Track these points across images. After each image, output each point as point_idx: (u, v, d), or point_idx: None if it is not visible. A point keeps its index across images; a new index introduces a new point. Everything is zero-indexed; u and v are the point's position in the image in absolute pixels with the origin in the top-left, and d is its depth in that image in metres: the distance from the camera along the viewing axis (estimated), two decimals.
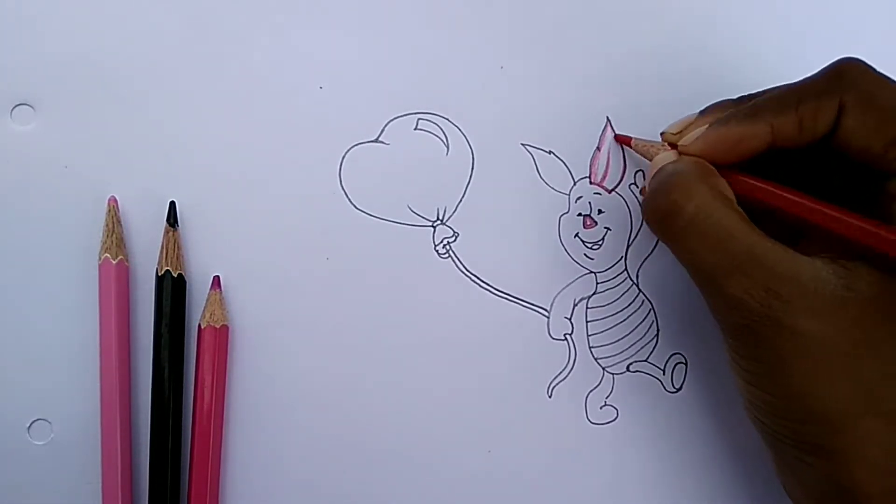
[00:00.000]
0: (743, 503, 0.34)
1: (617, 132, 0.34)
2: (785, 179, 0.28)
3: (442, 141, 0.33)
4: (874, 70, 0.27)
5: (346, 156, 0.33)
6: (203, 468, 0.31)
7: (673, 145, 0.30)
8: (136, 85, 0.32)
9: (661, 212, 0.27)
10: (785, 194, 0.27)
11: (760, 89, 0.30)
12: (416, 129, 0.33)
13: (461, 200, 0.33)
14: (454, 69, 0.33)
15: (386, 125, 0.33)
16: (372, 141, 0.33)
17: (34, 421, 0.32)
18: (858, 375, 0.25)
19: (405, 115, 0.33)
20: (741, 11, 0.34)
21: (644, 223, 0.34)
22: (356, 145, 0.33)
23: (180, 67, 0.32)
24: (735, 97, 0.30)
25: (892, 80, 0.27)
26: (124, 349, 0.31)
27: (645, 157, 0.32)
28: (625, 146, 0.33)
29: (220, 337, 0.31)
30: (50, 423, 0.32)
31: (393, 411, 0.33)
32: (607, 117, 0.34)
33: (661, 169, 0.29)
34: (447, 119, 0.33)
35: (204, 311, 0.32)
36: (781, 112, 0.27)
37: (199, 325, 0.32)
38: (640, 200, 0.34)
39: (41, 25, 0.31)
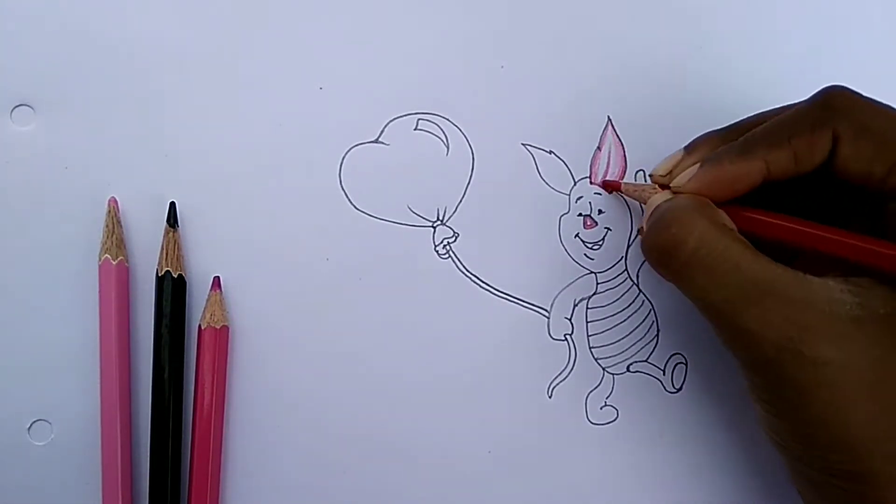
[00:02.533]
0: (743, 503, 0.34)
1: (604, 180, 0.33)
2: (781, 205, 0.28)
3: (442, 141, 0.33)
4: (861, 96, 0.27)
5: (346, 156, 0.33)
6: (203, 468, 0.31)
7: (664, 186, 0.30)
8: (136, 85, 0.32)
9: (662, 248, 0.27)
10: (787, 224, 0.27)
11: (746, 115, 0.29)
12: (416, 129, 0.33)
13: (461, 201, 0.33)
14: (454, 69, 0.33)
15: (386, 125, 0.33)
16: (372, 141, 0.33)
17: (34, 422, 0.32)
18: (881, 397, 0.25)
19: (405, 115, 0.33)
20: (742, 13, 0.34)
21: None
22: (356, 145, 0.33)
23: (180, 68, 0.32)
24: (720, 128, 0.30)
25: (879, 104, 0.27)
26: (124, 350, 0.31)
27: (637, 199, 0.32)
28: (615, 191, 0.33)
29: (221, 337, 0.31)
30: (50, 423, 0.32)
31: (393, 411, 0.33)
32: (608, 117, 0.34)
33: (657, 207, 0.28)
34: (447, 119, 0.33)
35: (204, 311, 0.32)
36: (775, 147, 0.27)
37: (200, 326, 0.32)
38: (639, 240, 0.33)
39: (41, 25, 0.31)
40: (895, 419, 0.25)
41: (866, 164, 0.26)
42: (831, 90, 0.27)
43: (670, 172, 0.29)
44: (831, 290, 0.25)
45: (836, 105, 0.27)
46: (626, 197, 0.33)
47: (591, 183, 0.34)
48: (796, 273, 0.25)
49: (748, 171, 0.27)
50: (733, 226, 0.27)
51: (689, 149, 0.30)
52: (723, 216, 0.27)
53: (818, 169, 0.27)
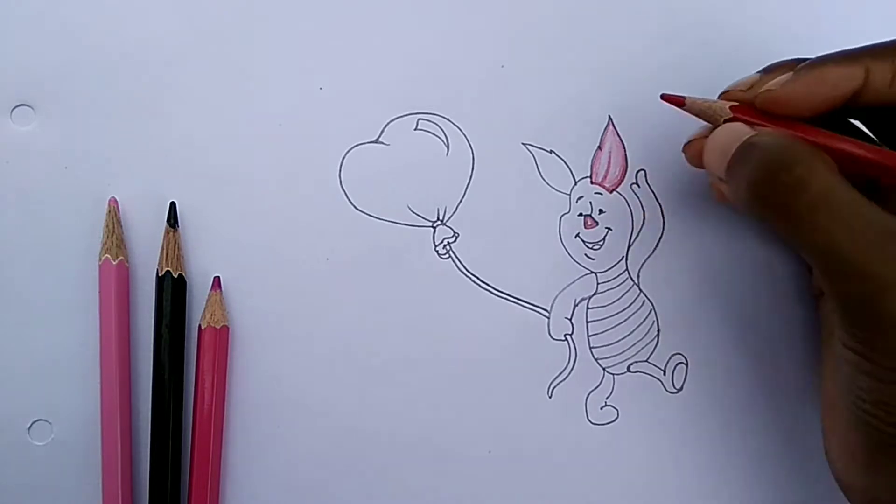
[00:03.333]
0: (743, 502, 0.34)
1: (665, 94, 0.29)
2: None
3: (442, 141, 0.33)
4: None
5: (347, 156, 0.33)
6: (203, 469, 0.31)
7: (738, 109, 0.28)
8: (136, 86, 0.32)
9: (778, 187, 0.25)
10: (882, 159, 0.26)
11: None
12: (416, 129, 0.33)
13: (461, 201, 0.33)
14: (454, 69, 0.33)
15: (386, 125, 0.33)
16: (372, 141, 0.33)
17: (35, 421, 0.32)
18: None
19: (405, 115, 0.33)
20: (743, 12, 0.34)
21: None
22: (356, 146, 0.33)
23: (180, 68, 0.32)
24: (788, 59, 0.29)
25: None
26: (124, 350, 0.31)
27: (705, 118, 0.29)
28: (678, 107, 0.29)
29: (221, 337, 0.31)
30: (50, 423, 0.32)
31: (393, 412, 0.33)
32: (609, 116, 0.34)
33: (755, 143, 0.27)
34: (447, 119, 0.33)
35: (204, 311, 0.32)
36: (878, 58, 0.26)
37: (200, 326, 0.32)
38: (708, 177, 0.31)
39: (41, 25, 0.31)
40: None
41: None
42: None
43: (752, 88, 0.28)
44: None
45: None
46: (623, 196, 0.33)
47: (591, 183, 0.34)
48: None
49: (851, 75, 0.26)
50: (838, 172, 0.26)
51: (768, 70, 0.29)
52: (831, 162, 0.26)
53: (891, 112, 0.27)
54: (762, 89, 0.28)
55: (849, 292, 0.25)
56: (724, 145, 0.28)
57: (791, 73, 0.28)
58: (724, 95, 0.29)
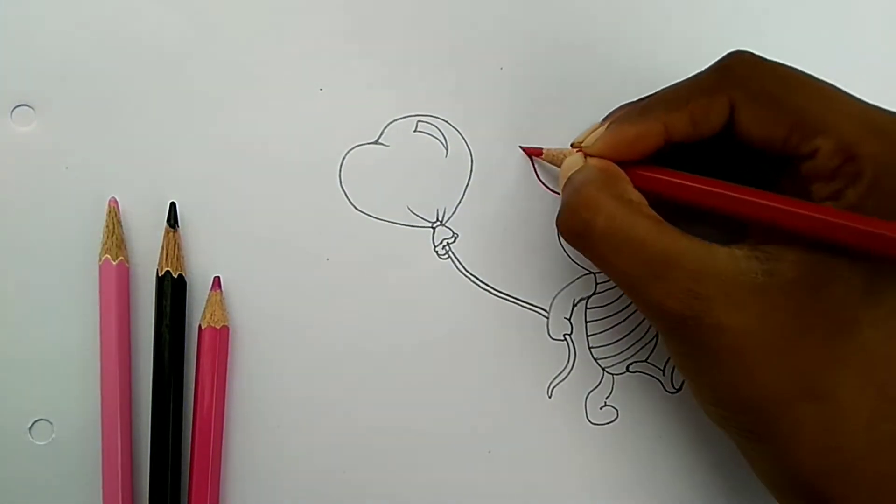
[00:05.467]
0: (743, 503, 0.35)
1: (523, 146, 0.33)
2: (703, 169, 0.28)
3: (441, 143, 0.33)
4: (761, 59, 0.27)
5: (347, 157, 0.33)
6: (203, 468, 0.31)
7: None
8: (136, 86, 0.32)
9: (573, 230, 0.28)
10: (694, 185, 0.27)
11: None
12: (415, 130, 0.33)
13: (460, 202, 0.33)
14: (453, 71, 0.33)
15: (386, 127, 0.33)
16: (372, 143, 0.33)
17: (36, 421, 0.32)
18: (787, 361, 0.25)
19: (405, 117, 0.33)
20: (740, 14, 0.34)
21: None
22: (356, 146, 0.33)
23: (181, 68, 0.32)
24: (636, 99, 0.30)
25: (782, 66, 0.27)
26: (125, 350, 0.31)
27: (554, 164, 0.32)
28: (536, 157, 0.33)
29: (221, 338, 0.32)
30: (51, 423, 0.32)
31: (393, 411, 0.33)
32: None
33: (569, 179, 0.29)
34: (446, 121, 0.33)
35: (204, 311, 0.32)
36: (672, 109, 0.27)
37: (200, 326, 0.32)
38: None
39: (41, 26, 0.31)
40: (801, 383, 0.25)
41: (765, 128, 0.26)
42: (732, 56, 0.27)
43: (587, 138, 0.30)
44: (737, 259, 0.26)
45: (733, 71, 0.27)
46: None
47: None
48: (702, 243, 0.26)
49: (648, 132, 0.28)
50: (642, 199, 0.28)
51: (606, 118, 0.30)
52: (630, 190, 0.28)
53: (722, 133, 0.27)
54: (582, 143, 0.30)
55: (640, 311, 0.29)
56: (562, 175, 0.30)
57: (603, 128, 0.29)
58: (574, 144, 0.31)
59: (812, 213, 0.25)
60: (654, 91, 0.29)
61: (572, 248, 0.34)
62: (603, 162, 0.29)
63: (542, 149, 0.33)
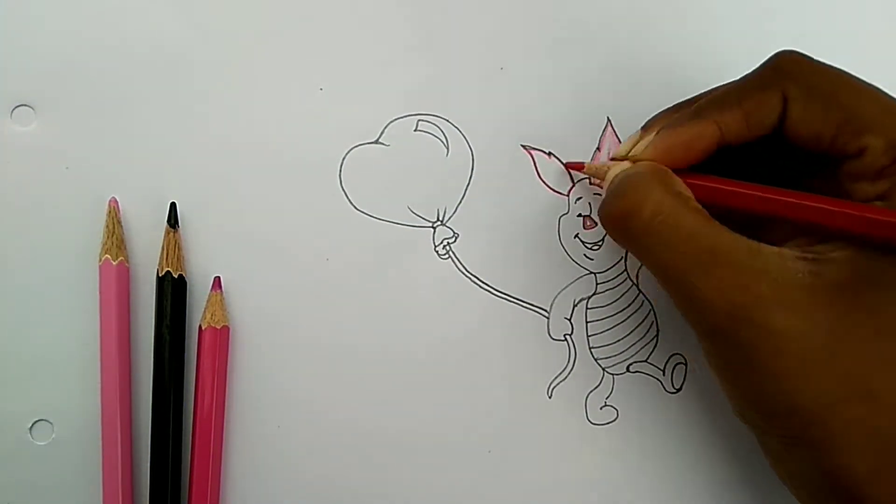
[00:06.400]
0: (743, 503, 0.34)
1: (567, 161, 0.33)
2: (741, 174, 0.28)
3: (442, 142, 0.33)
4: (811, 59, 0.27)
5: (347, 157, 0.33)
6: (204, 469, 0.31)
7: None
8: (136, 86, 0.32)
9: (618, 215, 0.27)
10: (743, 191, 0.27)
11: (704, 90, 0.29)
12: (415, 130, 0.33)
13: (461, 201, 0.33)
14: (454, 70, 0.33)
15: (386, 126, 0.33)
16: (372, 142, 0.33)
17: (36, 421, 0.32)
18: (835, 363, 0.25)
19: (405, 116, 0.33)
20: (742, 12, 0.34)
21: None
22: (356, 146, 0.33)
23: (181, 68, 0.32)
24: (673, 105, 0.30)
25: (829, 66, 0.27)
26: (125, 350, 0.31)
27: (597, 177, 0.32)
28: (578, 172, 0.33)
29: (221, 338, 0.31)
30: (51, 423, 0.32)
31: (393, 411, 0.33)
32: (608, 117, 0.34)
33: (615, 177, 0.29)
34: (447, 120, 0.33)
35: (204, 311, 0.32)
36: (727, 109, 0.27)
37: (200, 326, 0.32)
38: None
39: (41, 26, 0.31)
40: (849, 385, 0.25)
41: (815, 125, 0.26)
42: (781, 54, 0.27)
43: (632, 148, 0.30)
44: (785, 259, 0.25)
45: (785, 67, 0.27)
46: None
47: (590, 184, 0.34)
48: (750, 242, 0.26)
49: (702, 133, 0.27)
50: (690, 194, 0.27)
51: (646, 126, 0.30)
52: (679, 184, 0.27)
53: (771, 134, 0.27)
54: (629, 153, 0.29)
55: (680, 307, 0.27)
56: (607, 185, 0.30)
57: (652, 134, 0.29)
58: (615, 158, 0.30)
59: (863, 213, 0.25)
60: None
61: (573, 249, 0.34)
62: (651, 162, 0.28)
63: (583, 163, 0.33)
